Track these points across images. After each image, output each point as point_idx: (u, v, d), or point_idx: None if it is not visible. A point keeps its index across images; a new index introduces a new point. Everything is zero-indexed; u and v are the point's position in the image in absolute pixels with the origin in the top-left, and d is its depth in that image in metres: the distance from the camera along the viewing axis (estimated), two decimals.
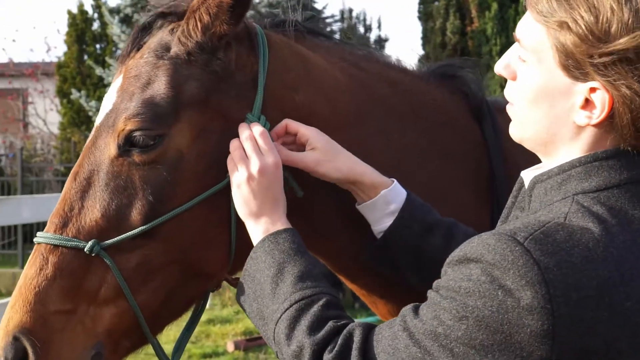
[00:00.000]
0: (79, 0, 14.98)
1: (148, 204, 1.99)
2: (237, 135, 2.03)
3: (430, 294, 1.58)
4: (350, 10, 15.12)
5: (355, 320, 1.73)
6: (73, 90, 14.16)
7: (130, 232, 1.98)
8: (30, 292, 1.94)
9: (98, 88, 14.39)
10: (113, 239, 1.98)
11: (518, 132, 1.73)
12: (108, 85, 13.10)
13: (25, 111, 23.79)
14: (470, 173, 2.35)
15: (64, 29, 16.04)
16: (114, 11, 14.05)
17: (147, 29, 2.18)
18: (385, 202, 2.06)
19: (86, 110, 14.15)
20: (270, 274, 1.83)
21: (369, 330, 1.66)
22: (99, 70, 13.77)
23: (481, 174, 2.37)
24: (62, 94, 14.87)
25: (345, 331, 1.67)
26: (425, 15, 15.25)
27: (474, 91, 2.44)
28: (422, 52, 15.65)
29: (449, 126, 2.37)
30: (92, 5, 15.08)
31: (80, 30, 14.88)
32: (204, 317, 10.59)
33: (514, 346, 1.43)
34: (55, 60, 19.44)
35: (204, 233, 2.05)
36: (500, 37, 13.72)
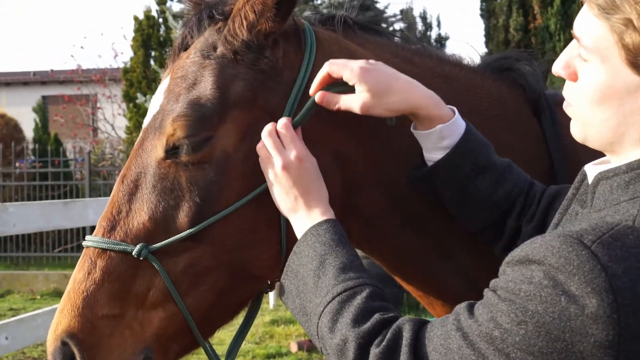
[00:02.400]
0: (146, 6, 15.28)
1: (195, 205, 1.97)
2: None
3: (487, 293, 1.50)
4: (411, 9, 14.98)
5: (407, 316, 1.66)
6: (139, 95, 14.34)
7: (178, 235, 1.96)
8: (79, 297, 1.94)
9: None
10: (161, 243, 1.96)
11: (581, 132, 1.64)
12: None
13: (93, 116, 24.25)
14: (529, 170, 2.26)
15: (131, 34, 16.30)
16: (177, 16, 14.19)
17: (192, 30, 2.17)
18: (439, 136, 1.99)
19: None
20: (313, 268, 1.78)
21: (419, 327, 1.59)
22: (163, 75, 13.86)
23: (540, 170, 2.28)
24: (129, 98, 15.08)
25: (394, 326, 1.60)
26: (487, 13, 15.05)
27: (531, 84, 2.35)
28: (485, 50, 15.44)
29: (506, 121, 2.29)
30: (157, 11, 15.26)
31: (146, 35, 15.06)
32: (267, 318, 10.64)
33: (575, 355, 1.34)
34: (122, 65, 19.75)
35: (253, 234, 2.02)
36: (564, 34, 13.46)
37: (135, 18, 15.17)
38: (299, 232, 1.91)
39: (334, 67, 1.98)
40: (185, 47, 2.18)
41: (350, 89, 1.98)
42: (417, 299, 2.36)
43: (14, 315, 11.61)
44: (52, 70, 32.57)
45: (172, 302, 1.97)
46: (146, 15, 15.18)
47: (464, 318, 1.50)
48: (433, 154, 2.02)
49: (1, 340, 5.70)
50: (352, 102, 1.97)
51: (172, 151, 2.00)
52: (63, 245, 16.37)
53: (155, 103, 2.12)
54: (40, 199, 16.21)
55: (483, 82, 2.33)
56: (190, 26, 2.17)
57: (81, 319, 1.92)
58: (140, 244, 1.95)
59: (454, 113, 2.01)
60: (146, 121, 2.12)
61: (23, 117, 20.60)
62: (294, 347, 8.79)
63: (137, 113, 14.79)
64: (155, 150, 2.03)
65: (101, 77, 22.02)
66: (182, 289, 1.97)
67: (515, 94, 2.36)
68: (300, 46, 2.11)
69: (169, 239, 1.96)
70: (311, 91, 2.02)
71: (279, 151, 1.94)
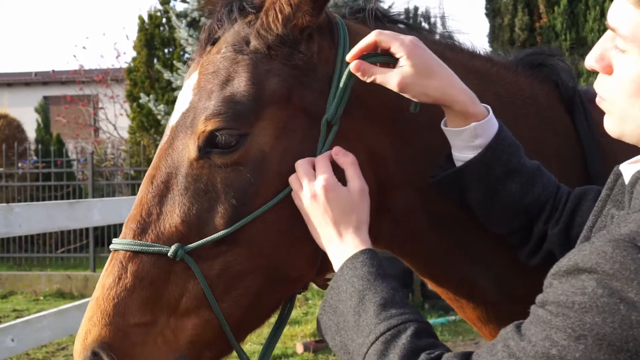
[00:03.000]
0: (151, 5, 15.24)
1: (231, 207, 1.89)
2: (319, 133, 1.94)
3: (536, 311, 1.41)
4: (416, 9, 14.92)
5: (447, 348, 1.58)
6: (142, 95, 14.28)
7: (213, 235, 1.88)
8: (109, 304, 1.85)
9: (166, 92, 14.49)
10: (196, 243, 1.88)
11: (617, 127, 1.57)
12: (177, 89, 13.25)
13: (95, 116, 24.22)
14: (563, 169, 2.19)
15: (133, 34, 16.28)
16: (181, 15, 14.11)
17: (221, 22, 2.08)
18: (472, 134, 1.91)
19: (155, 113, 14.25)
20: (352, 305, 1.69)
21: None
22: (167, 74, 13.82)
23: (575, 170, 2.21)
24: (132, 98, 15.01)
25: None
26: (492, 12, 14.99)
27: (564, 81, 2.28)
28: (489, 49, 15.34)
29: (538, 118, 2.22)
30: (160, 10, 15.21)
31: (150, 35, 15.00)
32: (272, 319, 10.54)
33: None
34: (124, 66, 19.73)
35: (290, 234, 1.95)
36: (570, 33, 13.39)
37: (139, 17, 15.11)
38: (335, 264, 1.83)
39: (382, 36, 1.90)
40: (213, 41, 2.09)
41: (389, 64, 1.92)
42: (448, 302, 2.29)
43: (17, 317, 11.59)
44: (53, 71, 32.56)
45: (206, 308, 1.90)
46: (150, 15, 15.12)
47: (515, 342, 1.41)
48: (463, 153, 1.94)
49: (7, 342, 5.64)
50: (390, 76, 1.89)
51: (205, 151, 1.92)
52: (66, 245, 16.34)
53: (183, 100, 2.03)
54: (43, 199, 16.17)
55: (515, 78, 2.26)
56: (219, 19, 2.08)
57: (112, 327, 1.83)
58: (175, 244, 1.87)
59: (488, 112, 1.93)
60: (174, 119, 2.03)
61: (25, 117, 20.57)
62: (299, 348, 8.74)
63: (140, 113, 14.74)
64: (187, 149, 1.95)
65: (103, 77, 22.00)
66: (217, 294, 1.89)
67: (548, 91, 2.28)
68: (333, 40, 2.03)
69: (205, 239, 1.88)
70: (348, 57, 1.94)
71: (308, 180, 1.87)
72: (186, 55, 14.72)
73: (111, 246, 1.94)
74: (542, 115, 2.23)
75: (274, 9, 1.97)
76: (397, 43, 1.89)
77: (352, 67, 1.92)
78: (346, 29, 2.05)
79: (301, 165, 1.90)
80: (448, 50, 2.23)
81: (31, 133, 20.40)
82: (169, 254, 1.86)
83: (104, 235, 16.09)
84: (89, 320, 1.86)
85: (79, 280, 14.21)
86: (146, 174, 2.01)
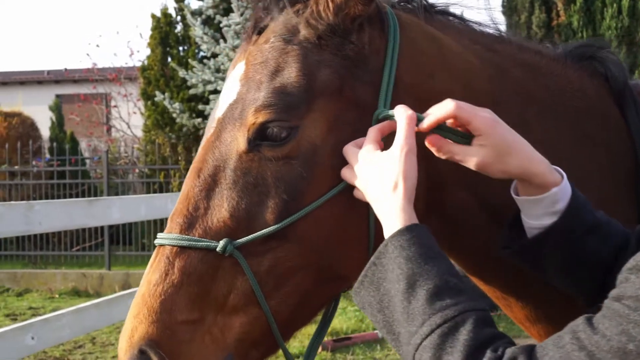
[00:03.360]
0: (163, 3, 15.22)
1: (282, 202, 1.83)
2: (371, 126, 1.88)
3: (611, 305, 1.37)
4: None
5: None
6: (157, 93, 14.28)
7: (263, 231, 1.83)
8: (156, 300, 1.80)
9: (181, 90, 14.47)
10: (245, 238, 1.83)
11: None
12: (191, 87, 13.21)
13: (108, 115, 24.26)
14: (613, 164, 2.14)
15: (147, 32, 16.26)
16: (195, 13, 14.14)
17: (268, 11, 2.03)
18: (552, 201, 1.79)
19: (170, 112, 14.25)
20: (400, 289, 1.59)
21: (531, 353, 1.44)
22: (182, 72, 13.83)
23: (625, 165, 2.15)
24: (146, 96, 15.00)
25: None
26: (509, 10, 14.87)
27: (615, 74, 2.22)
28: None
29: (588, 113, 2.16)
30: (175, 8, 15.20)
31: (164, 33, 14.98)
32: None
33: None
34: (137, 64, 19.74)
35: (341, 232, 1.89)
36: (587, 31, 13.28)
37: (153, 16, 15.08)
38: (384, 227, 1.75)
39: (462, 112, 1.77)
40: (259, 30, 2.04)
41: (461, 137, 1.82)
42: (494, 299, 2.23)
43: (33, 314, 11.62)
44: (66, 69, 32.61)
45: (255, 305, 1.85)
46: (164, 13, 15.10)
47: (586, 335, 1.36)
48: (540, 221, 1.81)
49: (27, 340, 5.63)
50: (469, 156, 1.78)
51: (255, 143, 1.87)
52: (81, 243, 16.36)
53: (230, 91, 1.99)
54: (58, 197, 16.22)
55: (564, 71, 2.21)
56: (265, 7, 2.04)
57: (159, 324, 1.78)
58: (224, 239, 1.83)
59: (562, 175, 1.82)
60: (220, 111, 1.98)
61: (37, 115, 20.60)
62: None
63: (155, 111, 14.71)
64: (236, 142, 1.90)
65: (117, 75, 22.02)
66: (266, 291, 1.85)
67: (597, 84, 2.23)
68: (383, 30, 1.99)
69: (255, 234, 1.83)
70: (424, 125, 1.82)
71: (373, 140, 1.81)
72: (201, 53, 14.72)
73: (157, 241, 1.89)
74: (592, 109, 2.18)
75: None
76: (478, 121, 1.77)
77: (427, 142, 1.83)
78: (396, 19, 2.01)
79: (348, 146, 1.86)
80: (497, 42, 2.18)
81: (44, 131, 20.43)
82: (217, 249, 1.82)
83: (119, 233, 16.13)
84: (134, 318, 1.81)
85: (94, 279, 14.23)
86: (191, 167, 1.96)
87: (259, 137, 1.87)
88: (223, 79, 13.04)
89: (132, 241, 16.02)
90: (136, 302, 1.84)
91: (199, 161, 1.94)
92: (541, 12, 14.04)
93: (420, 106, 1.94)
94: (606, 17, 12.79)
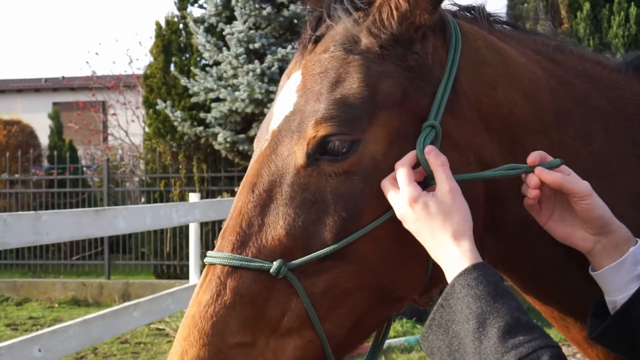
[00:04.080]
0: (168, 11, 15.07)
1: (340, 220, 1.74)
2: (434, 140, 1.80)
3: None
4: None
5: None
6: (159, 101, 14.20)
7: (320, 251, 1.74)
8: (207, 322, 1.71)
9: (183, 98, 14.40)
10: (301, 259, 1.74)
11: None
12: (193, 95, 13.18)
13: (106, 123, 24.17)
14: None
15: (146, 40, 16.19)
16: (198, 21, 14.08)
17: (327, 19, 1.94)
18: (633, 262, 1.74)
19: (171, 120, 14.18)
20: (471, 329, 1.54)
21: None
22: (183, 81, 13.77)
23: None
24: (148, 104, 14.92)
25: None
26: (514, 18, 14.89)
27: None
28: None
29: None
30: (177, 16, 15.12)
31: (167, 40, 14.89)
32: None
33: None
34: (136, 72, 19.68)
35: (401, 250, 1.80)
36: (594, 39, 13.23)
37: (157, 23, 15.00)
38: (447, 273, 1.69)
39: (568, 184, 1.80)
40: (315, 39, 1.95)
41: None
42: (550, 320, 2.14)
43: (34, 324, 11.51)
44: (63, 77, 32.54)
45: (309, 328, 1.76)
46: (167, 21, 15.03)
47: None
48: (626, 291, 1.75)
49: (34, 352, 5.54)
50: (578, 186, 1.80)
51: (314, 158, 1.78)
52: (80, 252, 16.25)
53: (286, 102, 1.89)
54: (58, 206, 16.15)
55: (627, 82, 2.13)
56: (327, 16, 1.94)
57: (211, 347, 1.70)
58: (278, 261, 1.74)
59: (637, 240, 1.79)
60: (275, 123, 1.89)
61: (35, 123, 20.51)
62: None
63: (156, 119, 14.62)
64: (294, 156, 1.81)
65: (115, 83, 21.96)
66: (320, 313, 1.76)
67: None
68: (445, 40, 1.90)
69: (310, 255, 1.74)
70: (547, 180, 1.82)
71: (409, 182, 1.73)
72: (203, 62, 14.67)
73: (207, 259, 1.80)
74: None
75: (389, 5, 1.84)
76: (573, 188, 1.80)
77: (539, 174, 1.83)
78: (458, 28, 1.92)
79: (386, 183, 1.77)
80: (558, 52, 2.10)
81: (43, 139, 20.33)
82: (271, 271, 1.73)
83: (119, 242, 16.02)
84: (184, 340, 1.72)
85: (94, 288, 14.13)
86: (244, 182, 1.86)
87: (319, 151, 1.78)
88: (225, 87, 12.99)
89: (131, 250, 15.90)
90: (186, 323, 1.75)
91: (253, 175, 1.85)
92: (547, 19, 14.02)
93: (482, 119, 1.86)
94: (613, 25, 12.73)
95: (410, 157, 1.77)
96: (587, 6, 13.15)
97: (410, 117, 1.82)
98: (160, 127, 14.66)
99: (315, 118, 1.79)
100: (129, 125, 21.06)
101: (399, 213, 1.74)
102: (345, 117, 1.77)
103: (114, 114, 21.69)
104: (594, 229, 1.79)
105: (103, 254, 15.12)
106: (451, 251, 1.67)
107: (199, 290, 1.78)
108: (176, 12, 15.24)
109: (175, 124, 14.06)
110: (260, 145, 1.91)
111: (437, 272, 1.77)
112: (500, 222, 1.94)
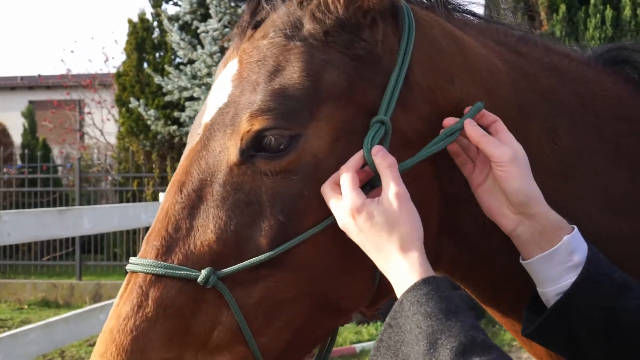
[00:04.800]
0: (140, 9, 14.99)
1: (277, 223, 1.58)
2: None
3: None
4: None
5: None
6: (132, 99, 14.06)
7: (254, 258, 1.57)
8: (126, 337, 1.54)
9: (157, 96, 14.26)
10: (232, 267, 1.57)
11: None
12: (167, 93, 13.08)
13: (82, 121, 23.92)
14: None
15: (122, 38, 16.10)
16: (172, 19, 13.95)
17: (266, 3, 1.77)
18: (567, 251, 1.61)
19: (145, 119, 14.04)
20: (421, 350, 1.39)
21: None
22: (157, 79, 13.64)
23: None
24: (121, 102, 14.76)
25: None
26: (491, 18, 14.83)
27: None
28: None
29: (627, 123, 1.93)
30: (151, 14, 14.98)
31: (141, 38, 14.74)
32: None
33: None
34: (112, 70, 19.49)
35: (344, 259, 1.65)
36: (569, 40, 13.18)
37: (130, 21, 14.84)
38: (396, 287, 1.54)
39: (484, 143, 1.68)
40: (255, 24, 1.78)
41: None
42: (512, 334, 1.99)
43: (1, 326, 11.24)
44: (40, 75, 32.16)
45: (242, 343, 1.60)
46: (140, 18, 14.86)
47: None
48: (560, 282, 1.62)
49: None
50: (497, 150, 1.67)
51: (249, 154, 1.62)
52: (51, 253, 16.00)
53: (220, 93, 1.73)
54: (29, 205, 15.87)
55: (597, 76, 1.98)
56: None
57: None
58: (207, 269, 1.57)
59: (573, 227, 1.65)
60: (207, 116, 1.72)
61: (9, 122, 20.22)
62: None
63: (129, 118, 14.47)
64: (227, 152, 1.64)
65: (91, 82, 21.70)
66: (255, 326, 1.60)
67: (633, 90, 2.00)
68: (397, 27, 1.74)
69: (243, 263, 1.58)
70: (469, 130, 1.69)
71: (353, 188, 1.57)
72: (177, 60, 14.53)
73: (128, 267, 1.63)
74: (629, 117, 1.94)
75: None
76: (499, 156, 1.66)
77: (466, 127, 1.70)
78: (412, 14, 1.76)
79: (326, 188, 1.61)
80: (521, 43, 1.95)
81: (16, 138, 20.06)
82: (198, 280, 1.56)
83: (91, 242, 15.79)
84: (100, 357, 1.55)
85: (65, 289, 13.89)
86: (172, 181, 1.69)
87: (254, 147, 1.61)
88: (199, 86, 12.84)
89: (103, 250, 15.68)
90: (103, 338, 1.58)
91: (182, 173, 1.68)
92: (524, 20, 13.98)
93: (437, 114, 1.71)
94: (589, 27, 12.68)
95: (356, 159, 1.61)
96: (562, 8, 13.10)
97: (358, 111, 1.66)
98: (134, 125, 14.53)
99: (251, 110, 1.62)
100: (104, 124, 20.81)
101: (341, 223, 1.58)
102: (284, 110, 1.61)
103: (89, 113, 21.45)
104: (514, 206, 1.66)
105: (74, 255, 14.87)
106: (399, 264, 1.52)
107: (118, 301, 1.61)
108: (150, 10, 15.08)
109: (149, 122, 13.95)
110: (191, 140, 1.75)
111: (385, 282, 1.60)
112: (458, 226, 1.79)
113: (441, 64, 1.75)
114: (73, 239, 15.00)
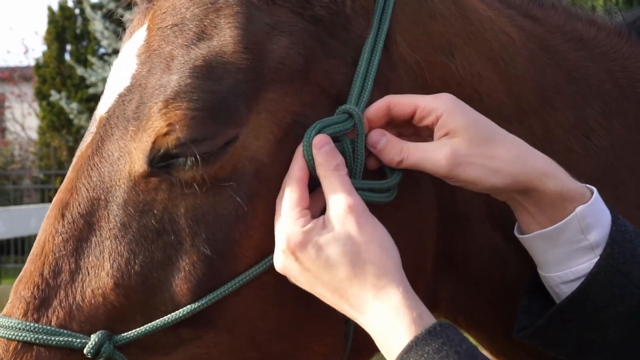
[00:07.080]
0: None
1: (203, 260, 1.12)
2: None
3: None
4: None
5: None
6: (52, 92, 13.69)
7: (170, 315, 1.11)
8: None
9: (80, 89, 13.90)
10: (137, 330, 1.11)
11: None
12: (91, 85, 12.70)
13: (2, 116, 23.37)
14: None
15: (42, 28, 15.59)
16: (96, 7, 13.65)
17: None
18: (579, 228, 1.17)
19: (67, 112, 13.70)
20: None
21: None
22: (80, 70, 13.37)
23: None
24: (41, 95, 14.32)
25: None
26: None
27: None
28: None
29: None
30: (73, 1, 14.53)
31: (61, 27, 14.28)
32: None
33: None
34: (32, 62, 19.15)
35: (303, 310, 1.19)
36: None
37: (50, 9, 14.34)
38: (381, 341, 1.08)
39: (400, 100, 1.21)
40: None
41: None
42: None
43: None
44: None
45: None
46: (61, 6, 14.39)
47: None
48: (569, 267, 1.20)
49: None
50: (433, 151, 1.17)
51: (162, 161, 1.13)
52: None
53: (121, 74, 1.24)
54: None
55: (632, 50, 1.57)
56: None
57: None
58: (99, 332, 1.10)
59: (592, 190, 1.20)
60: (103, 107, 1.24)
61: None
62: None
63: (50, 112, 14.09)
64: (129, 158, 1.16)
65: (10, 74, 21.19)
66: None
67: None
68: None
69: (153, 323, 1.11)
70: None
71: (294, 210, 1.12)
72: (101, 50, 14.17)
73: None
74: None
75: None
76: (426, 100, 1.18)
77: (372, 141, 1.20)
78: None
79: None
80: (536, 6, 1.51)
81: None
82: (85, 350, 1.09)
83: (9, 243, 15.21)
84: None
85: None
86: (54, 201, 1.21)
87: (169, 151, 1.13)
88: None
89: (24, 251, 15.03)
90: None
91: (65, 190, 1.20)
92: None
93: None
94: None
95: (299, 164, 1.16)
96: None
97: (318, 97, 1.21)
98: (55, 120, 14.23)
99: (164, 97, 1.15)
100: (25, 118, 20.35)
101: (277, 265, 1.13)
102: (212, 98, 1.13)
103: (9, 107, 20.86)
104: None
105: None
106: (377, 311, 1.07)
107: None
108: None
109: (71, 116, 13.69)
110: (83, 142, 1.26)
111: (364, 338, 1.13)
112: (461, 255, 1.36)
113: (435, 31, 1.31)
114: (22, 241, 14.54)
